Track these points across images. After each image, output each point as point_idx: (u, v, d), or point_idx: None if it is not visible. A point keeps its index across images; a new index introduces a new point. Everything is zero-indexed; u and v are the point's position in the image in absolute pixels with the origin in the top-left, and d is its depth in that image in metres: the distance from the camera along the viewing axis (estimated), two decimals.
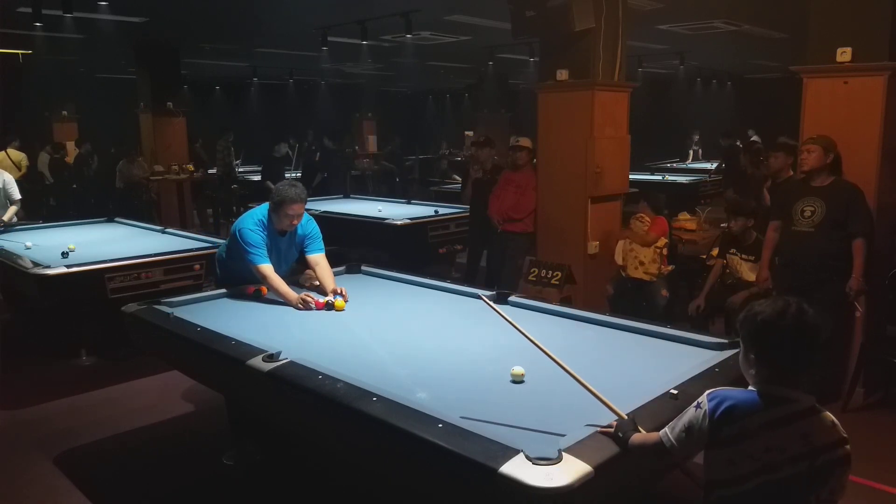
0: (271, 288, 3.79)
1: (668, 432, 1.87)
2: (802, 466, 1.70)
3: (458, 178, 11.58)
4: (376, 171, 15.04)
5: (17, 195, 6.69)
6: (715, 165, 12.30)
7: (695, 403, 1.81)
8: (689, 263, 5.89)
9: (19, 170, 10.03)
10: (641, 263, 5.33)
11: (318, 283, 4.04)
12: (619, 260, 5.48)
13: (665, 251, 5.40)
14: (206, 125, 13.75)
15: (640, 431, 1.99)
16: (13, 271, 5.00)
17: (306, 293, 3.75)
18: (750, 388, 1.81)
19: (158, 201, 10.59)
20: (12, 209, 6.64)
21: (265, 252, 3.83)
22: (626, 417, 2.07)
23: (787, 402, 1.74)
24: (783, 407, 1.73)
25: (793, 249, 4.29)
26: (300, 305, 3.65)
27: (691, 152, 15.52)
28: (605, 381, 2.61)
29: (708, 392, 1.80)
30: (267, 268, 3.79)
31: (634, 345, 3.03)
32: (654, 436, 1.93)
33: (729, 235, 5.12)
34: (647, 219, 5.43)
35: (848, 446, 1.76)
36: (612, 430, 2.01)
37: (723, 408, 1.73)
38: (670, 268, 5.43)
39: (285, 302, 3.71)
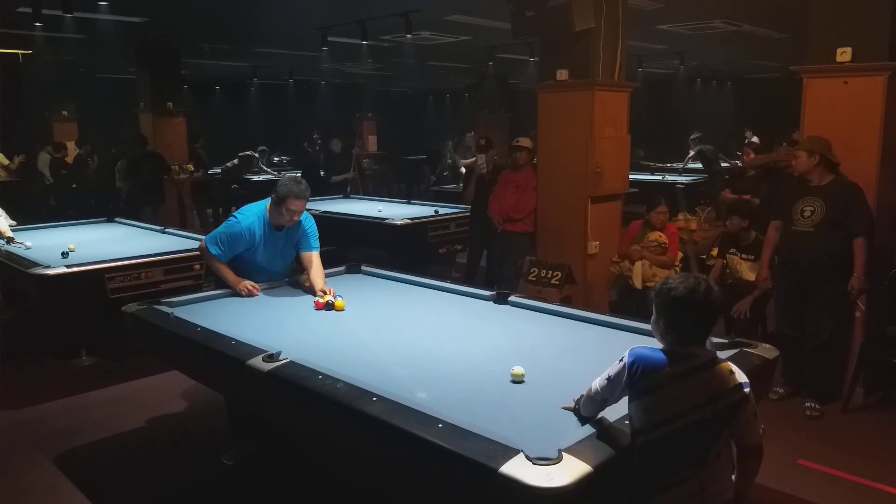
0: (212, 268, 3.96)
1: (596, 380, 2.12)
2: (707, 411, 1.96)
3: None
4: (377, 172, 15.06)
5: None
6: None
7: (619, 358, 2.06)
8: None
9: None
10: None
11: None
12: (638, 284, 5.25)
13: (680, 267, 5.28)
14: (206, 125, 13.75)
15: None
16: (13, 271, 5.00)
17: (254, 284, 3.86)
18: (661, 347, 2.08)
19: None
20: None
21: (228, 248, 3.92)
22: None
23: (690, 357, 2.01)
24: (686, 362, 2.00)
25: (793, 249, 4.29)
26: (243, 292, 3.80)
27: (691, 152, 15.49)
28: None
29: (630, 349, 2.06)
30: (211, 251, 3.91)
31: (634, 344, 3.00)
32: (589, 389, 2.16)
33: (728, 235, 5.11)
34: (665, 240, 5.29)
35: (746, 389, 2.03)
36: (573, 406, 2.24)
37: (637, 364, 1.99)
38: None
39: (227, 284, 3.89)
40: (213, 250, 3.91)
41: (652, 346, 2.09)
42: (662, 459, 1.98)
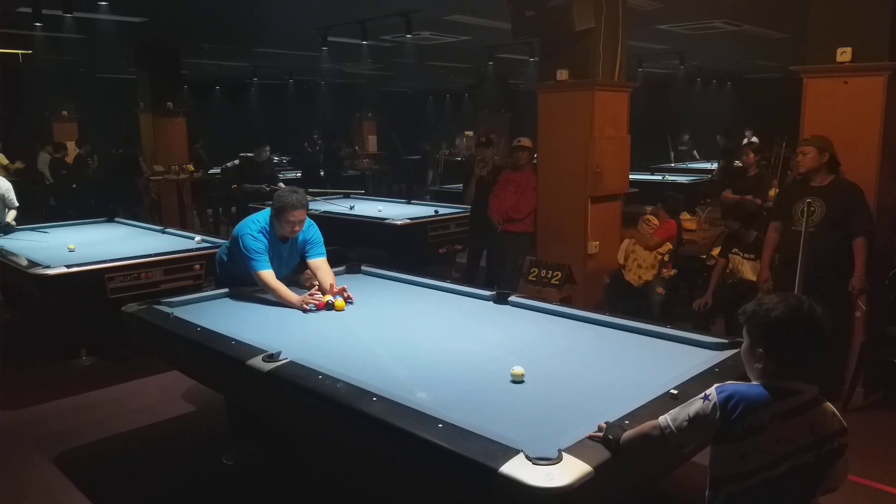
0: (272, 293, 3.77)
1: (668, 419, 1.85)
2: (810, 456, 1.73)
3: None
4: (377, 172, 15.04)
5: (16, 202, 6.63)
6: (715, 165, 12.25)
7: (701, 395, 1.79)
8: (690, 263, 5.89)
9: None
10: (640, 266, 5.29)
11: (317, 283, 4.04)
12: (620, 259, 5.44)
13: (667, 257, 5.31)
14: (206, 125, 13.73)
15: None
16: (13, 271, 5.00)
17: (309, 294, 3.74)
18: (754, 382, 1.81)
19: (158, 201, 10.59)
20: (12, 213, 6.57)
21: (266, 257, 3.80)
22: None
23: (794, 394, 1.76)
24: (791, 399, 1.75)
25: (793, 249, 4.29)
26: (304, 307, 3.63)
27: (673, 154, 15.09)
28: (605, 382, 2.61)
29: (716, 385, 1.79)
30: (268, 273, 3.76)
31: (634, 345, 3.03)
32: (649, 424, 1.91)
33: (730, 235, 5.12)
34: (656, 222, 5.36)
35: (847, 436, 1.80)
36: (600, 434, 1.99)
37: (734, 401, 1.72)
38: (673, 272, 5.34)
39: (288, 305, 3.70)
40: (263, 267, 3.74)
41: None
42: None
